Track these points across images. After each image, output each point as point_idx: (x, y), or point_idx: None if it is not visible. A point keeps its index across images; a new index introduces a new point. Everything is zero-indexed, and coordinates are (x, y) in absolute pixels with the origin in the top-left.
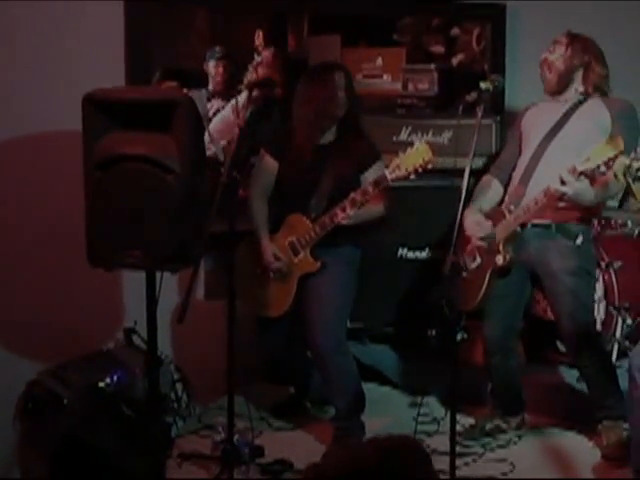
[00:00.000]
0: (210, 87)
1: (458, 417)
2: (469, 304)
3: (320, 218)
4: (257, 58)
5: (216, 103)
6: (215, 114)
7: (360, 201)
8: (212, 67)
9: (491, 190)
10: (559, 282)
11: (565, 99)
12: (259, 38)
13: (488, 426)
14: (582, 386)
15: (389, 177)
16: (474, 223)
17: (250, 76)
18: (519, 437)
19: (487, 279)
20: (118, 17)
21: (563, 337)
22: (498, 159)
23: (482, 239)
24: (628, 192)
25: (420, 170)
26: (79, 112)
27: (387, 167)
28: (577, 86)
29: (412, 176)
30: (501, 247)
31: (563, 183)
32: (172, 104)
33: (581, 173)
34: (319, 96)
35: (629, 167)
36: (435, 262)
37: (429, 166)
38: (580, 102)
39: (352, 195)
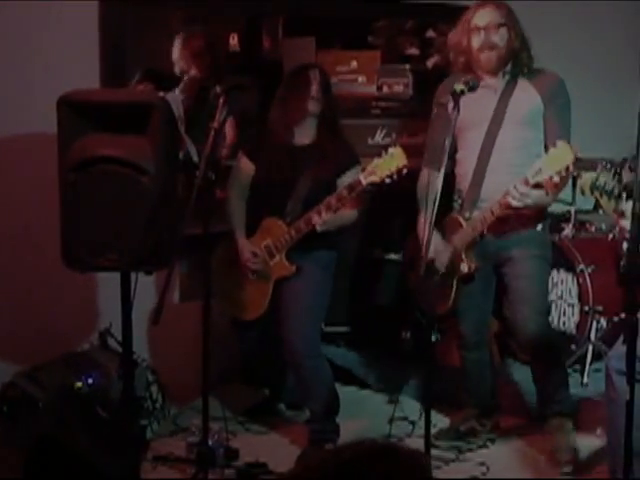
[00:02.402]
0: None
1: (433, 419)
2: (442, 307)
3: (295, 222)
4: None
5: None
6: None
7: (335, 205)
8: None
9: (433, 188)
10: (518, 266)
11: (493, 82)
12: (234, 40)
13: (462, 427)
14: None
15: (364, 182)
16: (433, 251)
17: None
18: (492, 440)
19: (455, 287)
20: (92, 17)
21: (518, 325)
22: (429, 146)
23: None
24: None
25: (395, 176)
26: (54, 114)
27: (362, 171)
28: (507, 68)
29: (387, 181)
30: (463, 256)
31: (519, 195)
32: (147, 106)
33: (535, 185)
34: (293, 93)
35: (596, 182)
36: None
37: (404, 171)
38: (508, 85)
39: (327, 199)
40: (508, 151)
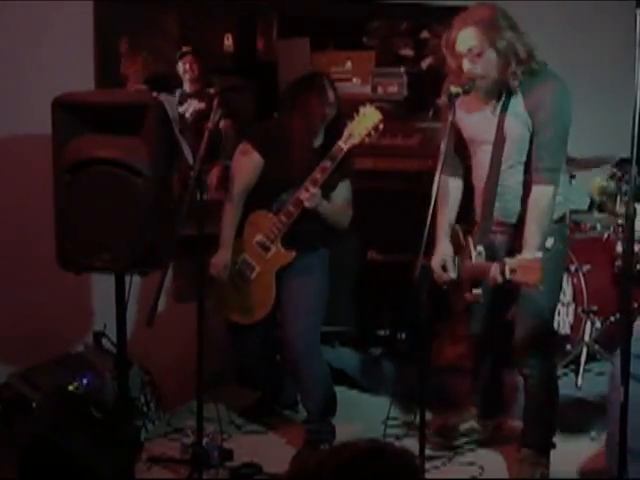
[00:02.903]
0: (185, 87)
1: (427, 420)
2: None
3: (283, 207)
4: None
5: (193, 103)
6: (192, 114)
7: (321, 178)
8: (181, 66)
9: (450, 194)
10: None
11: (489, 106)
12: (228, 40)
13: (462, 427)
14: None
15: (344, 147)
16: (439, 266)
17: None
18: (485, 442)
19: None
20: (87, 18)
21: (523, 329)
22: (443, 154)
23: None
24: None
25: (373, 133)
26: (49, 115)
27: (339, 138)
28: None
29: (366, 140)
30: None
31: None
32: (142, 107)
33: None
34: (312, 99)
35: (605, 187)
36: (405, 266)
37: (380, 127)
38: (504, 104)
39: (312, 174)
40: (511, 172)
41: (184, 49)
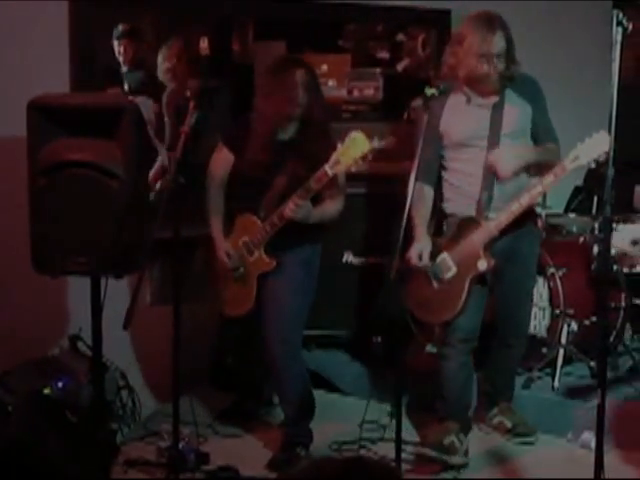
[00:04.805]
0: (122, 70)
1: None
2: (446, 315)
3: (269, 217)
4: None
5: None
6: None
7: (305, 198)
8: (116, 47)
9: (426, 199)
10: (526, 266)
11: (486, 101)
12: (204, 43)
13: (445, 442)
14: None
15: (329, 173)
16: (416, 254)
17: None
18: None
19: (467, 287)
20: (62, 20)
21: (515, 320)
22: (421, 162)
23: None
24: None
25: (360, 162)
26: (23, 117)
27: (327, 162)
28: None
29: (352, 169)
30: (482, 253)
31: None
32: (117, 110)
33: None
34: (278, 94)
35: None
36: (380, 268)
37: (369, 157)
38: (499, 99)
39: (297, 192)
40: (514, 158)
41: (120, 28)
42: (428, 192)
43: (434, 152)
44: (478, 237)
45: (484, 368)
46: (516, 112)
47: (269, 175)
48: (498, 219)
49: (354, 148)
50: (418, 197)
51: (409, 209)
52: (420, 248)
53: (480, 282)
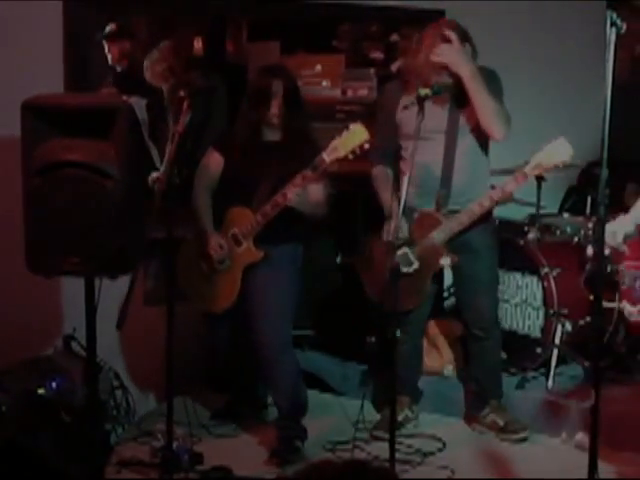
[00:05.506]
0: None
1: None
2: (409, 305)
3: (262, 207)
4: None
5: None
6: None
7: (300, 186)
8: (105, 47)
9: (391, 180)
10: (482, 257)
11: (444, 98)
12: (198, 44)
13: (400, 417)
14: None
15: (327, 160)
16: (394, 231)
17: (148, 69)
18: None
19: (429, 282)
20: (57, 20)
21: (478, 312)
22: (379, 145)
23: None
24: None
25: (357, 151)
26: (17, 117)
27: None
28: None
29: (350, 157)
30: (444, 250)
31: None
32: (111, 111)
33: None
34: (256, 104)
35: None
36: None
37: (365, 146)
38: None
39: (292, 180)
40: (465, 156)
41: (107, 29)
42: (390, 173)
43: (391, 139)
44: (439, 235)
45: (467, 368)
46: (471, 111)
47: (257, 177)
48: (459, 219)
49: (353, 137)
50: (383, 179)
51: (376, 192)
52: (395, 227)
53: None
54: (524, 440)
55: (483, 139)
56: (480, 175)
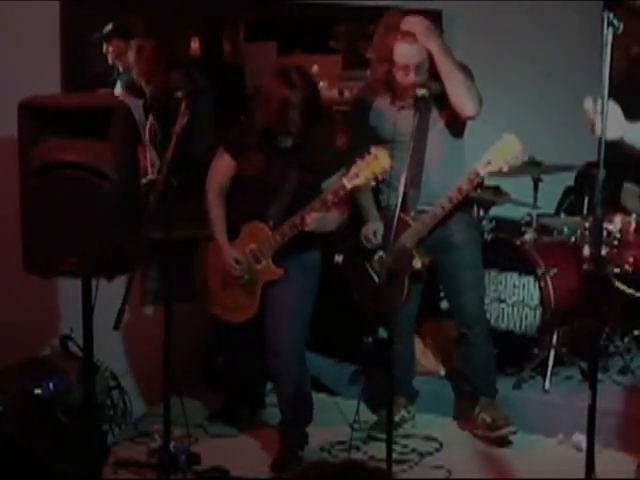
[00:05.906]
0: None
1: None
2: (395, 304)
3: (280, 227)
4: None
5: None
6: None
7: (319, 209)
8: (104, 46)
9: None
10: (462, 254)
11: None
12: (195, 44)
13: (396, 418)
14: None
15: (348, 186)
16: (371, 232)
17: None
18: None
19: (407, 283)
20: (54, 20)
21: (462, 310)
22: (353, 146)
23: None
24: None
25: (380, 177)
26: (14, 117)
27: (346, 174)
28: None
29: (371, 183)
30: (415, 252)
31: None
32: (108, 111)
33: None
34: (272, 83)
35: None
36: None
37: (386, 173)
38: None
39: (311, 204)
40: (437, 156)
41: (105, 29)
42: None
43: (364, 144)
44: (407, 239)
45: (459, 368)
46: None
47: (274, 182)
48: (424, 221)
49: (375, 164)
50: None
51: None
52: (374, 227)
53: (417, 279)
54: (506, 437)
55: (457, 130)
56: (455, 174)
